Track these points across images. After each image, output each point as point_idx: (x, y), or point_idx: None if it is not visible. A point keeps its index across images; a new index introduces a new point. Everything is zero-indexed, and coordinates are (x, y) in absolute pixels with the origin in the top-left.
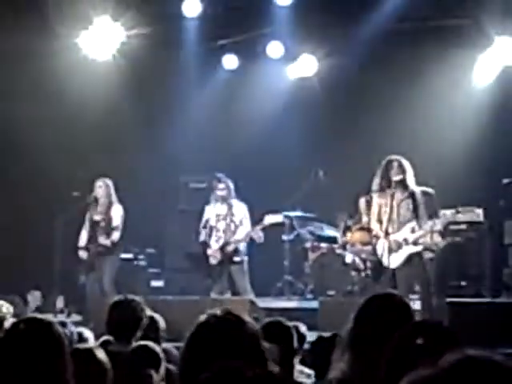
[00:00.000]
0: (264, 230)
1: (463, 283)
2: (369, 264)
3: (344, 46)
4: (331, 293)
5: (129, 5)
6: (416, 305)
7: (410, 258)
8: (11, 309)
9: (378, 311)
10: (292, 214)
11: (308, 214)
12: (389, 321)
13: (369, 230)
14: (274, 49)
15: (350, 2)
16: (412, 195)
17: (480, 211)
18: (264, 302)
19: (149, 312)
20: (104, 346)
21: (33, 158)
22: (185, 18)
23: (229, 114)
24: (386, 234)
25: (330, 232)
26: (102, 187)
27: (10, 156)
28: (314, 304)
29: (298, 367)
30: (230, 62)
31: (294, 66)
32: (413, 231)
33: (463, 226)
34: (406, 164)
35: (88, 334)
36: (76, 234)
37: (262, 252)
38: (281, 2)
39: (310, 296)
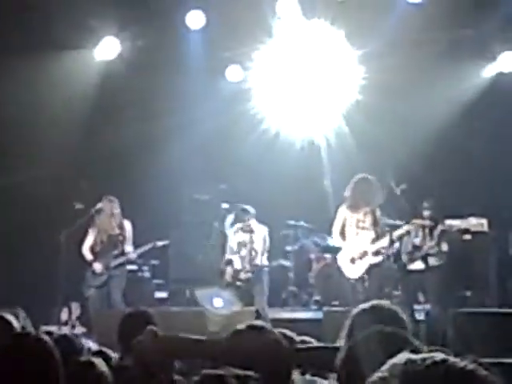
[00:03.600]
0: None
1: (468, 294)
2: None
3: None
4: (335, 303)
5: (133, 17)
6: (421, 315)
7: (369, 269)
8: (15, 321)
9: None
10: (296, 223)
11: (312, 226)
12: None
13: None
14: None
15: (353, 14)
16: (372, 210)
17: (485, 221)
18: (269, 313)
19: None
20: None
21: (36, 170)
22: (189, 29)
23: (233, 125)
24: (348, 246)
25: (333, 243)
26: (113, 203)
27: (12, 166)
28: (319, 315)
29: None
30: (234, 73)
31: None
32: (373, 242)
33: (468, 236)
34: (372, 181)
35: (94, 346)
36: (80, 246)
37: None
38: (283, 16)
39: (314, 307)
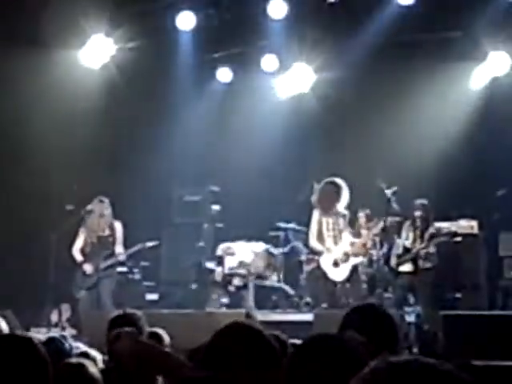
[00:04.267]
0: None
1: (458, 295)
2: (363, 277)
3: (337, 60)
4: (326, 305)
5: (124, 18)
6: (411, 317)
7: (353, 270)
8: (3, 323)
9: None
10: (286, 225)
11: (303, 228)
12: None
13: (364, 243)
14: (269, 62)
15: (343, 15)
16: (344, 215)
17: (475, 223)
18: (259, 315)
19: (154, 328)
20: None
21: (27, 171)
22: (179, 31)
23: (222, 126)
24: (328, 249)
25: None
26: (104, 204)
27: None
28: (309, 317)
29: None
30: (224, 74)
31: (289, 79)
32: (352, 244)
33: (458, 238)
34: (336, 183)
35: (85, 348)
36: (71, 247)
37: None
38: (275, 16)
39: (305, 309)
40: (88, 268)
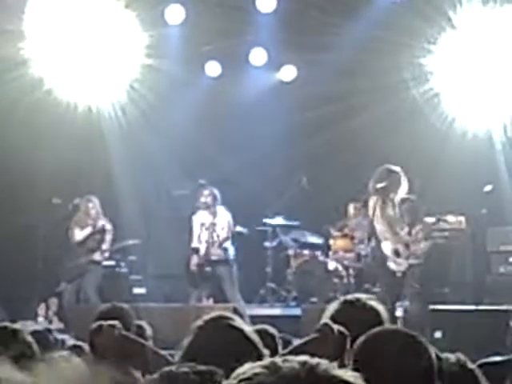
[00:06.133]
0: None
1: (446, 290)
2: (351, 271)
3: (327, 53)
4: (314, 300)
5: (112, 10)
6: (399, 312)
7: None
8: None
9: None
10: (274, 222)
11: (290, 222)
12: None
13: (352, 237)
14: (257, 56)
15: (333, 9)
16: (402, 202)
17: (462, 218)
18: (247, 310)
19: (136, 320)
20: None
21: (14, 165)
22: (168, 24)
23: (212, 121)
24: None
25: (312, 239)
26: (89, 203)
27: None
28: (297, 311)
29: None
30: (212, 68)
31: (277, 73)
32: (410, 233)
33: (446, 234)
34: (399, 171)
35: (71, 341)
36: (58, 241)
37: (245, 259)
38: (264, 9)
39: (292, 303)
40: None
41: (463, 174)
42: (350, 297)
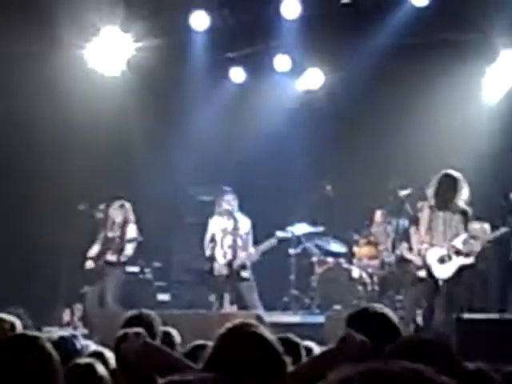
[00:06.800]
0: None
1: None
2: (375, 278)
3: (352, 60)
4: (337, 307)
5: (137, 17)
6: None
7: (460, 270)
8: (18, 322)
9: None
10: (297, 229)
11: (314, 229)
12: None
13: (376, 244)
14: (282, 62)
15: (358, 16)
16: (463, 210)
17: (487, 226)
18: (270, 317)
19: (164, 326)
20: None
21: (40, 171)
22: (193, 30)
23: (236, 127)
24: (433, 244)
25: (336, 246)
26: (121, 208)
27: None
28: (321, 319)
29: None
30: (237, 75)
31: (302, 80)
32: (465, 243)
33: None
34: (460, 180)
35: (94, 347)
36: (83, 247)
37: (269, 266)
38: (288, 16)
39: (316, 310)
40: (89, 264)
41: (488, 180)
42: (365, 306)
